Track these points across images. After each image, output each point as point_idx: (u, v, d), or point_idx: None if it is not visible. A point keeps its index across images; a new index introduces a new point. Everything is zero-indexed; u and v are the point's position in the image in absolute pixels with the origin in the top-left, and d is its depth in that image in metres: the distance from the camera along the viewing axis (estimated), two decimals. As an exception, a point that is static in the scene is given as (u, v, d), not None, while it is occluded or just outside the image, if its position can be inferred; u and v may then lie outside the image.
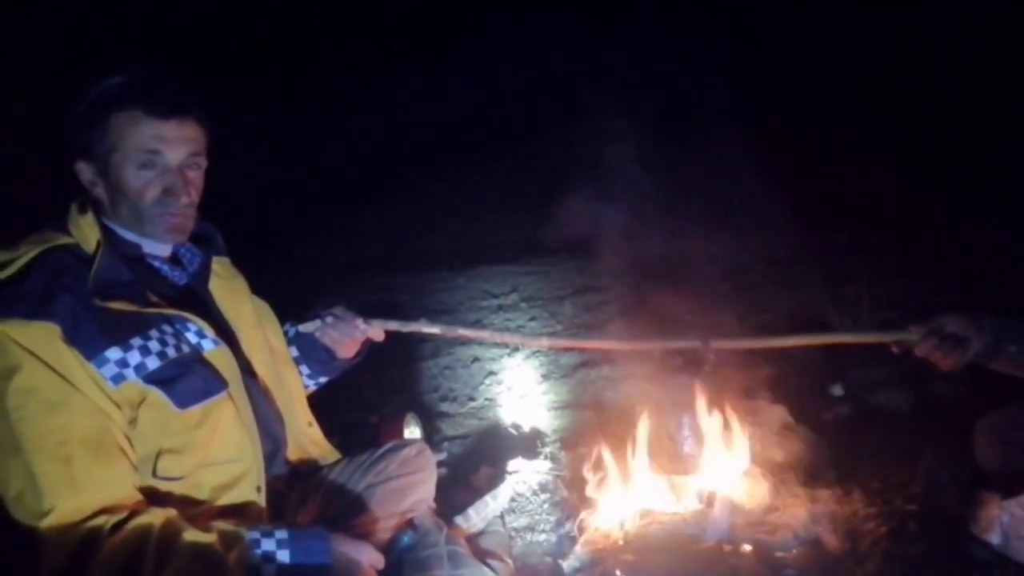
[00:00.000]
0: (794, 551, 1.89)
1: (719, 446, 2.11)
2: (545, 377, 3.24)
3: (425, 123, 6.50)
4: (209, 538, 1.29)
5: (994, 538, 1.80)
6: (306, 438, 1.83)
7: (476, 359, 3.42)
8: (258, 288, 1.85)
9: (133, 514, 1.26)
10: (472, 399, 3.15)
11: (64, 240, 1.38)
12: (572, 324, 3.73)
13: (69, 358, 1.27)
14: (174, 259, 1.55)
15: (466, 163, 5.80)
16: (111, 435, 1.30)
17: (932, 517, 1.98)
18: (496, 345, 3.45)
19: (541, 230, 4.76)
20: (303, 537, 1.39)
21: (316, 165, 5.92)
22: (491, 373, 3.30)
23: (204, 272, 1.61)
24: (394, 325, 1.83)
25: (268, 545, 1.34)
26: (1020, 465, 1.79)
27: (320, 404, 1.90)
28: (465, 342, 3.52)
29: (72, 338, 1.28)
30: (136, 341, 1.34)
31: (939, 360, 1.69)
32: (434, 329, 1.87)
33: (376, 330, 1.83)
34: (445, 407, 3.12)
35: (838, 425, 2.53)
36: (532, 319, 3.84)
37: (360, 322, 1.80)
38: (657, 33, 6.35)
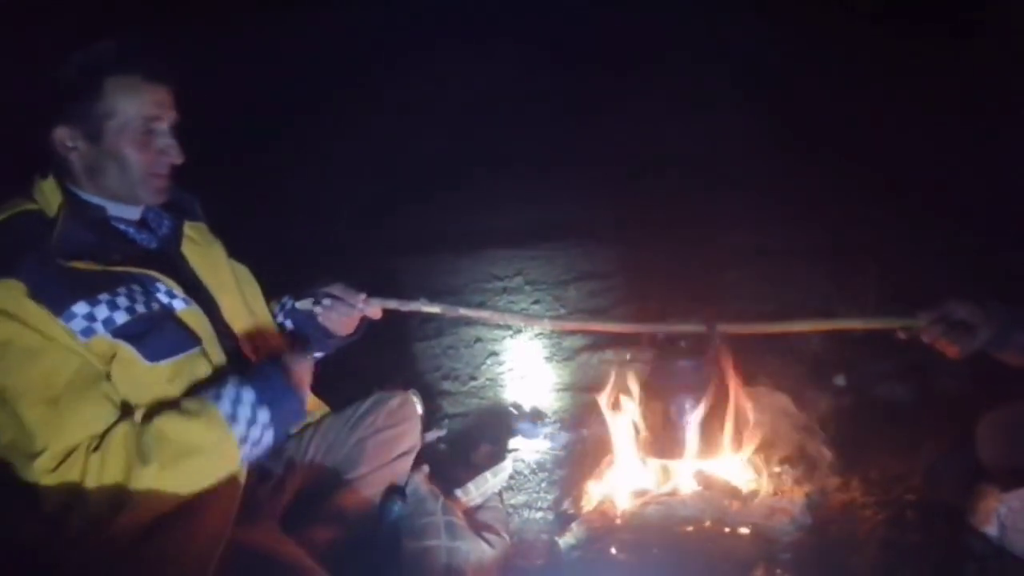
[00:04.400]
0: (791, 536, 1.89)
1: (720, 431, 2.10)
2: (547, 359, 3.24)
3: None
4: (183, 414, 1.34)
5: (992, 530, 1.79)
6: None
7: (479, 339, 3.42)
8: (260, 265, 1.85)
9: (106, 432, 1.28)
10: (474, 378, 3.15)
11: (28, 206, 1.40)
12: (576, 308, 3.73)
13: (38, 312, 1.28)
14: (142, 223, 1.57)
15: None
16: (94, 376, 1.31)
17: (930, 508, 1.98)
18: (499, 326, 3.44)
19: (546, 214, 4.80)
20: (257, 377, 1.46)
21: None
22: (493, 353, 3.30)
23: (174, 236, 1.62)
24: (394, 304, 1.81)
25: (230, 394, 1.41)
26: (1022, 460, 1.78)
27: (321, 382, 1.89)
28: (468, 322, 3.52)
29: (38, 295, 1.28)
30: (103, 296, 1.35)
31: (946, 347, 1.66)
32: (434, 308, 1.84)
33: (374, 308, 1.82)
34: (447, 386, 3.12)
35: (839, 415, 2.52)
36: (536, 302, 3.83)
37: (360, 300, 1.78)
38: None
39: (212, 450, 1.35)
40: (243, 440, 1.39)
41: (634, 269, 3.94)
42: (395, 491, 1.88)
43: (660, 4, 6.32)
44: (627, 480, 2.10)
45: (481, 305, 3.87)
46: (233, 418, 1.38)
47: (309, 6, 6.85)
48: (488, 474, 2.24)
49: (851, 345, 2.80)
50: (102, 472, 1.24)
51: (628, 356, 2.91)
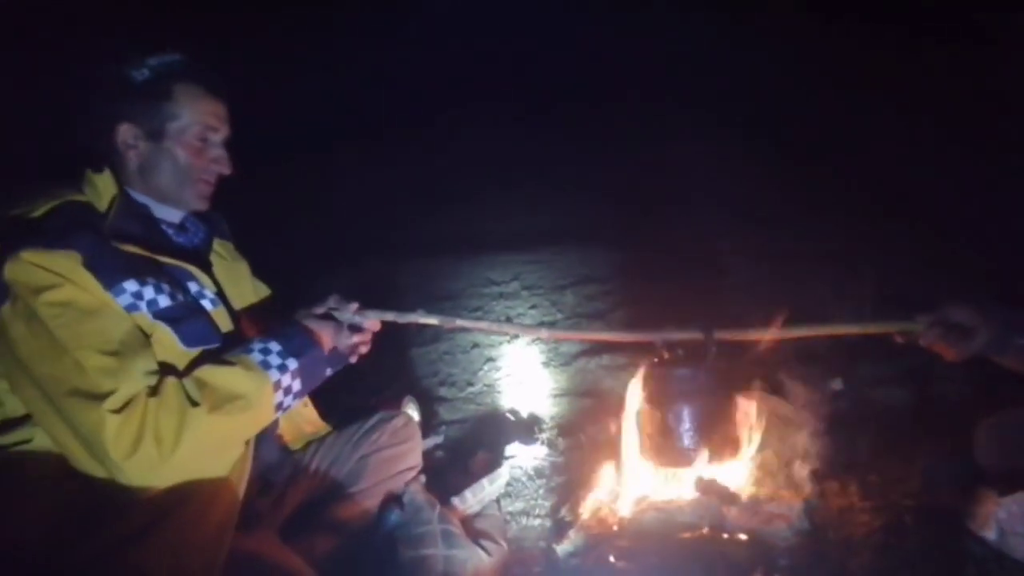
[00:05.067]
0: (789, 541, 1.89)
1: (718, 438, 2.09)
2: (544, 365, 3.23)
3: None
4: (220, 363, 1.41)
5: (990, 534, 1.79)
6: (300, 417, 1.84)
7: (476, 345, 3.42)
8: (258, 268, 1.86)
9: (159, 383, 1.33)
10: (471, 384, 3.15)
11: (79, 197, 1.44)
12: (573, 313, 3.72)
13: (92, 281, 1.34)
14: (180, 228, 1.65)
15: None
16: (143, 338, 1.37)
17: (929, 512, 1.97)
18: (495, 333, 3.44)
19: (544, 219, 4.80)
20: (279, 332, 1.53)
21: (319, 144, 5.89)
22: (490, 360, 3.30)
23: (206, 248, 1.70)
24: (391, 316, 1.76)
25: (258, 346, 1.47)
26: (1020, 464, 1.78)
27: (318, 388, 1.89)
28: (464, 331, 3.51)
29: (92, 266, 1.34)
30: (150, 279, 1.42)
31: (944, 351, 1.66)
32: (432, 320, 1.81)
33: (371, 321, 1.80)
34: (444, 392, 3.12)
35: (837, 419, 2.52)
36: (533, 307, 3.83)
37: (354, 312, 1.73)
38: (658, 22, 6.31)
39: (252, 393, 1.40)
40: (277, 386, 1.45)
41: (631, 274, 3.95)
42: (392, 500, 1.88)
43: (660, 25, 6.32)
44: (625, 487, 2.09)
45: (479, 310, 3.88)
46: (265, 365, 1.44)
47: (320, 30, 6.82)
48: (485, 481, 2.23)
49: (848, 349, 2.80)
50: (159, 414, 1.28)
51: (624, 362, 2.91)
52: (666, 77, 5.97)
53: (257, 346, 1.47)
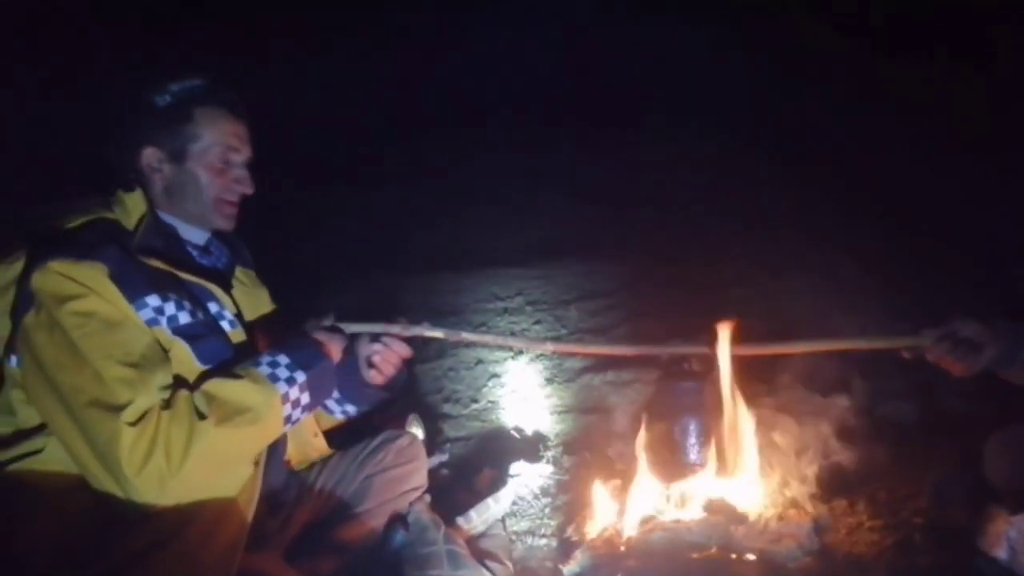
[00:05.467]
0: (798, 561, 1.87)
1: (725, 454, 2.08)
2: (549, 380, 3.22)
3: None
4: (229, 376, 1.42)
5: (1001, 553, 1.77)
6: (309, 446, 1.84)
7: (480, 361, 3.41)
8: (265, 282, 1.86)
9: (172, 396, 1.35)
10: (475, 401, 3.13)
11: (108, 214, 1.50)
12: (577, 328, 3.71)
13: (116, 293, 1.37)
14: (205, 250, 1.68)
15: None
16: (162, 353, 1.40)
17: (939, 530, 1.96)
18: (500, 348, 3.43)
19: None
20: (288, 345, 1.53)
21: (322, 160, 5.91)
22: (494, 376, 3.29)
23: (229, 272, 1.72)
24: (396, 328, 1.74)
25: (267, 359, 1.48)
26: (1031, 481, 1.76)
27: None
28: (469, 345, 3.50)
29: (117, 279, 1.38)
30: (172, 296, 1.45)
31: (951, 366, 1.65)
32: (437, 333, 1.81)
33: (398, 342, 1.75)
34: (448, 408, 3.10)
35: (844, 435, 2.50)
36: (537, 322, 3.82)
37: (350, 327, 1.70)
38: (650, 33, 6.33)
39: (260, 406, 1.40)
40: (285, 399, 1.45)
41: (635, 288, 3.94)
42: (397, 520, 1.87)
43: (660, 35, 6.33)
44: (632, 505, 2.08)
45: (483, 325, 3.87)
46: (274, 378, 1.44)
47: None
48: (490, 500, 2.21)
49: (854, 363, 2.78)
50: (171, 428, 1.29)
51: (630, 378, 2.90)
52: (666, 88, 5.99)
53: (265, 359, 1.48)
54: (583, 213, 4.92)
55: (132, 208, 1.51)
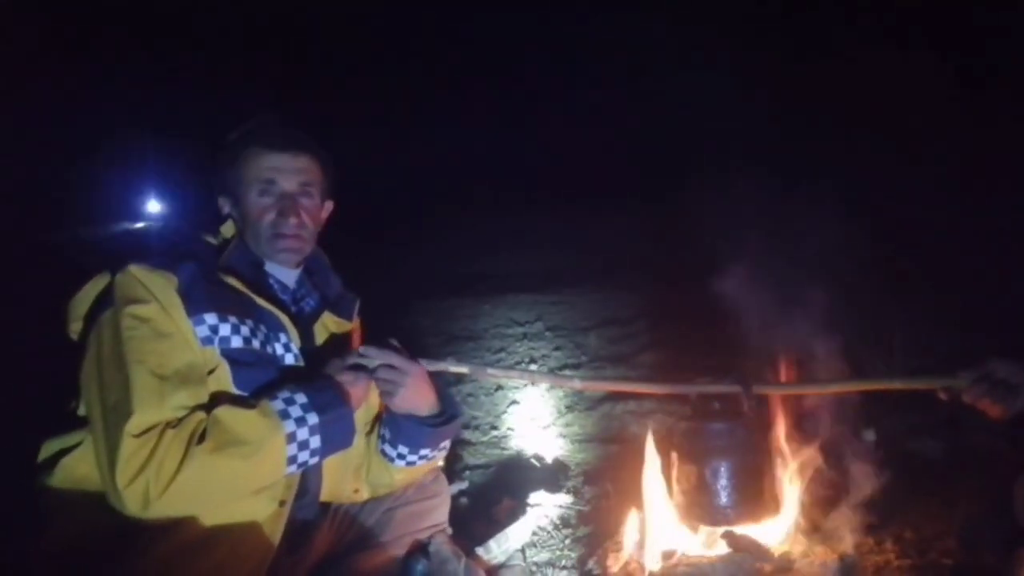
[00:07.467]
0: (824, 601, 1.84)
1: (754, 495, 2.03)
2: (569, 408, 3.21)
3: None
4: (240, 404, 1.42)
5: (1034, 598, 1.73)
6: (345, 495, 1.80)
7: (499, 387, 3.40)
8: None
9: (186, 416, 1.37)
10: (495, 428, 3.12)
11: (210, 239, 1.65)
12: (597, 355, 3.71)
13: (179, 306, 1.44)
14: (286, 288, 1.71)
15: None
16: (199, 374, 1.43)
17: (968, 572, 1.92)
18: (527, 382, 3.42)
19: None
20: (311, 385, 1.49)
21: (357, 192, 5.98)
22: (514, 402, 3.28)
23: (312, 316, 1.74)
24: (422, 363, 1.67)
25: (284, 395, 1.45)
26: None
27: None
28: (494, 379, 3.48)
29: (184, 293, 1.45)
30: (232, 318, 1.49)
31: (988, 407, 1.62)
32: (463, 369, 1.77)
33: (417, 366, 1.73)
34: (467, 435, 3.09)
35: (871, 471, 2.46)
36: (557, 348, 3.81)
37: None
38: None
39: (260, 441, 1.38)
40: (291, 438, 1.42)
41: (654, 315, 3.93)
42: (418, 549, 1.85)
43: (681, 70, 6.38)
44: (656, 540, 2.05)
45: (502, 351, 3.87)
46: (284, 414, 1.42)
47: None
48: (510, 531, 2.20)
49: (879, 398, 2.75)
50: (171, 446, 1.30)
51: (651, 408, 2.88)
52: (687, 120, 6.01)
53: (283, 394, 1.44)
54: (601, 240, 4.93)
55: (226, 234, 1.66)
